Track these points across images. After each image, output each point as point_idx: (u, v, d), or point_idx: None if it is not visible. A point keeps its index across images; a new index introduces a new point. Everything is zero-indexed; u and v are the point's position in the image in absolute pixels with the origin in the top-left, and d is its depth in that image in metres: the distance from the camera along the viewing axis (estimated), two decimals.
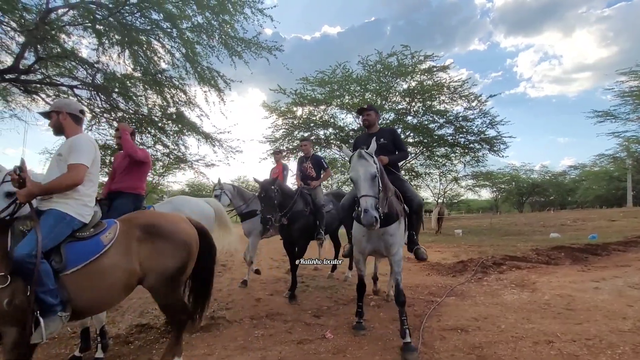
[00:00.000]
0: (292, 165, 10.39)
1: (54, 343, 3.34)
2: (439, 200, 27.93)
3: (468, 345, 2.78)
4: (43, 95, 7.95)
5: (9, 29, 6.59)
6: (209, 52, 7.75)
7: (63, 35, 6.80)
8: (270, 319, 3.75)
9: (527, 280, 4.66)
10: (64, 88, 7.79)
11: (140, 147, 5.89)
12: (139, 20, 6.98)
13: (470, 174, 28.77)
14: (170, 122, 8.24)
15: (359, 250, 3.24)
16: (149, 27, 7.08)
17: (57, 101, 2.59)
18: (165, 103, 8.04)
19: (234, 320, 3.73)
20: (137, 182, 3.44)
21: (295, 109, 15.05)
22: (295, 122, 15.24)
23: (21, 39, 6.68)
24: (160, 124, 8.24)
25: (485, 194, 42.03)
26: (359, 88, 14.49)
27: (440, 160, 17.21)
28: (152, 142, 8.79)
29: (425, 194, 28.49)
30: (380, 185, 2.67)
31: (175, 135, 8.60)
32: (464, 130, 14.81)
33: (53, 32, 6.40)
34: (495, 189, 39.93)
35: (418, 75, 14.10)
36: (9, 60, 7.09)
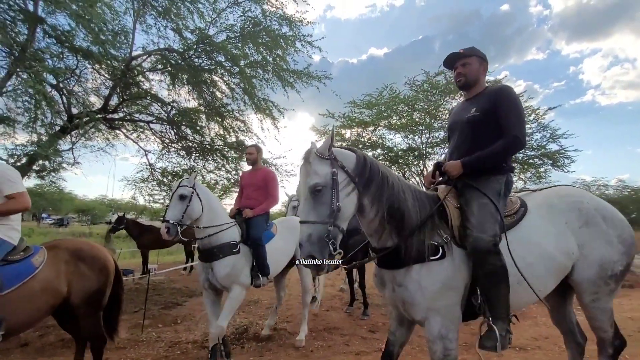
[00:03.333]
0: None
1: None
2: None
3: None
4: (124, 130, 9.23)
5: (100, 76, 7.89)
6: (264, 84, 8.56)
7: (142, 79, 7.98)
8: (328, 332, 4.04)
9: None
10: (142, 123, 9.03)
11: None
12: (205, 61, 7.98)
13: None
14: (230, 149, 9.07)
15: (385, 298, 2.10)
16: (213, 67, 8.04)
17: None
18: (225, 132, 8.93)
19: (294, 332, 4.08)
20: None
21: (343, 131, 15.56)
22: (343, 144, 15.75)
23: (109, 84, 7.93)
24: (222, 152, 9.10)
25: None
26: (406, 108, 14.67)
27: None
28: (214, 168, 9.71)
29: None
30: (338, 202, 1.65)
31: (235, 160, 9.42)
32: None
33: (135, 78, 7.56)
34: None
35: None
36: (97, 103, 8.43)
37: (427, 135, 14.93)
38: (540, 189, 2.25)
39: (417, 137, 14.88)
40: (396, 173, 2.06)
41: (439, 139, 14.40)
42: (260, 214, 3.62)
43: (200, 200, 3.27)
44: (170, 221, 3.07)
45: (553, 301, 2.30)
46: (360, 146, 15.64)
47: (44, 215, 46.22)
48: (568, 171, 14.33)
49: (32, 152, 5.46)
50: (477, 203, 1.83)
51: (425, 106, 14.52)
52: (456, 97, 14.14)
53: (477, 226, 1.76)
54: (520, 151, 14.78)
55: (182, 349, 3.79)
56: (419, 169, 15.43)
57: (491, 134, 1.92)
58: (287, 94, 8.67)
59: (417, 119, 14.78)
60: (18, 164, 6.11)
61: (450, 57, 2.11)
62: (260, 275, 3.40)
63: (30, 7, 5.76)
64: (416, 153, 14.56)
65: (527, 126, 14.00)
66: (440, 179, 1.99)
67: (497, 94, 1.97)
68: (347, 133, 15.63)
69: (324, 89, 8.81)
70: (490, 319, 1.72)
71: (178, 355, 3.62)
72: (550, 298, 2.22)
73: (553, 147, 13.86)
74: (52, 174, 6.24)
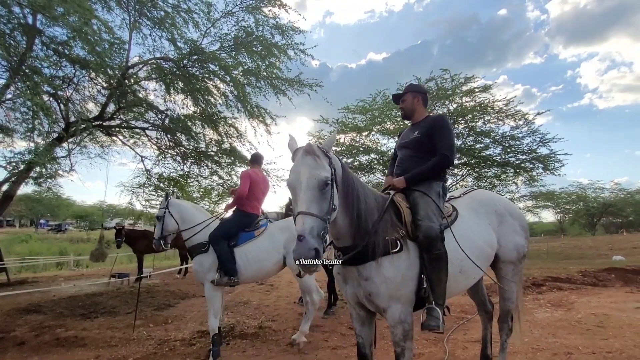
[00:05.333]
0: None
1: None
2: None
3: None
4: (121, 137, 9.47)
5: (96, 85, 8.13)
6: (257, 92, 8.81)
7: (137, 87, 8.24)
8: (310, 330, 4.23)
9: (566, 300, 4.68)
10: (138, 130, 9.27)
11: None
12: (199, 70, 8.25)
13: (528, 194, 27.23)
14: (224, 155, 9.30)
15: (345, 295, 2.20)
16: (207, 76, 8.31)
17: None
18: (220, 138, 9.17)
19: (278, 330, 4.30)
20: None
21: (338, 136, 15.81)
22: (337, 149, 15.99)
23: (106, 92, 8.18)
24: (215, 158, 9.34)
25: (548, 215, 39.03)
26: (399, 113, 14.93)
27: (492, 182, 16.76)
28: (209, 174, 9.94)
29: None
30: (335, 200, 1.76)
31: (228, 167, 9.65)
32: (513, 149, 14.51)
33: (132, 86, 7.82)
34: (559, 210, 36.96)
35: (458, 98, 14.26)
36: (94, 110, 8.66)
37: None
38: (460, 195, 2.62)
39: None
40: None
41: None
42: (230, 209, 4.07)
43: (172, 216, 3.89)
44: (155, 238, 3.96)
45: None
46: (355, 151, 15.91)
47: (41, 221, 46.34)
48: (559, 174, 14.61)
49: (29, 161, 5.67)
50: (423, 201, 2.16)
51: None
52: (445, 103, 14.44)
53: (425, 217, 2.06)
54: (511, 155, 14.99)
55: (170, 346, 3.99)
56: None
57: (428, 153, 2.34)
58: (280, 101, 8.93)
59: (409, 123, 14.98)
60: (15, 170, 6.35)
61: (393, 97, 2.65)
62: (220, 273, 3.54)
63: (29, 20, 6.02)
64: None
65: (517, 131, 14.30)
66: (389, 190, 2.33)
67: (433, 122, 2.40)
68: (342, 138, 15.91)
69: (320, 94, 9.05)
70: (433, 302, 1.96)
71: (166, 352, 3.83)
72: None
73: (544, 151, 14.15)
74: (49, 180, 6.45)
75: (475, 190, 2.69)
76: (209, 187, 10.96)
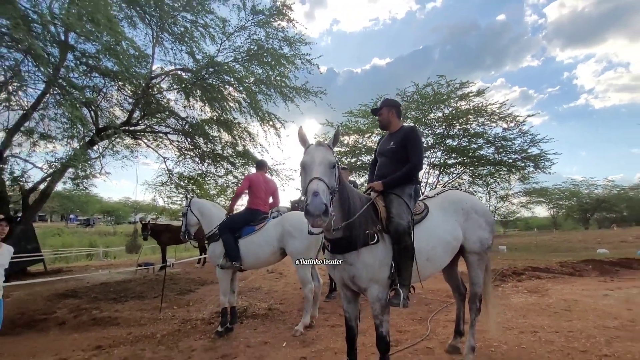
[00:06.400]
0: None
1: None
2: None
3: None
4: (145, 140, 9.87)
5: (123, 94, 8.52)
6: (267, 99, 9.13)
7: (160, 96, 8.60)
8: None
9: (541, 288, 4.89)
10: (161, 134, 9.67)
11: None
12: (216, 80, 8.58)
13: (522, 191, 27.13)
14: (238, 157, 9.65)
15: (334, 278, 2.47)
16: (222, 85, 8.64)
17: None
18: (234, 141, 9.51)
19: (285, 311, 4.62)
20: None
21: (342, 138, 16.07)
22: (342, 149, 16.26)
23: (131, 100, 8.55)
24: (230, 159, 9.69)
25: (541, 210, 38.71)
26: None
27: (486, 179, 16.89)
28: (225, 173, 10.30)
29: None
30: (337, 187, 2.07)
31: (242, 167, 9.99)
32: (505, 149, 14.64)
33: (155, 95, 8.18)
34: (552, 206, 36.67)
35: (454, 102, 14.41)
36: (122, 116, 9.05)
37: None
38: (434, 195, 2.88)
39: None
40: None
41: (427, 145, 14.82)
42: (234, 205, 4.47)
43: (193, 212, 4.43)
44: (182, 231, 4.52)
45: (446, 267, 2.93)
46: (357, 151, 16.17)
47: (71, 216, 47.49)
48: (548, 172, 14.67)
49: (65, 163, 6.06)
50: (397, 202, 2.45)
51: (417, 114, 15.00)
52: (441, 107, 14.57)
53: (396, 216, 2.35)
54: (503, 155, 15.01)
55: (192, 324, 4.34)
56: None
57: (402, 161, 2.61)
58: (288, 107, 9.25)
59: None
60: (52, 170, 6.76)
61: (372, 111, 3.04)
62: (225, 259, 3.96)
63: (62, 36, 6.38)
64: None
65: (509, 132, 14.40)
66: (370, 192, 2.62)
67: (405, 133, 2.68)
68: (346, 139, 16.18)
69: (325, 100, 9.34)
70: (398, 284, 2.25)
71: (188, 329, 4.17)
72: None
73: (534, 150, 14.25)
74: (85, 181, 6.84)
75: (449, 191, 2.95)
76: (225, 185, 11.32)
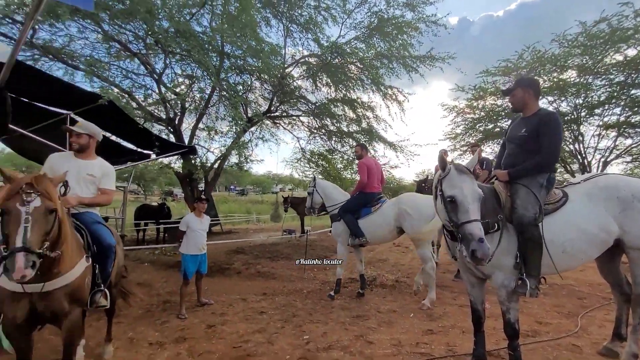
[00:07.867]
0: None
1: None
2: None
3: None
4: (281, 123, 11.29)
5: (264, 87, 9.88)
6: (389, 73, 9.04)
7: (292, 84, 9.62)
8: (441, 289, 4.61)
9: None
10: (294, 117, 10.88)
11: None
12: (340, 61, 9.00)
13: None
14: (362, 133, 10.04)
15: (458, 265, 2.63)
16: (345, 65, 9.00)
17: (91, 126, 2.58)
18: (358, 118, 9.90)
19: (412, 285, 4.83)
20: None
21: (475, 103, 14.43)
22: (475, 116, 14.66)
23: (270, 91, 9.84)
24: (355, 135, 10.18)
25: None
26: (554, 68, 12.43)
27: None
28: (350, 149, 10.91)
29: None
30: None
31: (367, 143, 10.36)
32: None
33: (289, 85, 9.21)
34: None
35: None
36: (264, 105, 10.55)
37: (583, 97, 12.37)
38: (580, 181, 2.48)
39: (567, 100, 12.50)
40: None
41: (596, 101, 11.82)
42: (355, 193, 4.75)
43: (318, 192, 5.00)
44: (306, 207, 5.18)
45: (602, 261, 2.69)
46: (495, 117, 14.24)
47: (231, 187, 58.58)
48: None
49: (230, 147, 7.67)
50: (522, 192, 2.34)
51: (583, 61, 11.99)
52: (623, 46, 11.19)
53: (521, 206, 2.28)
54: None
55: (330, 285, 5.08)
56: (573, 135, 12.93)
57: (532, 151, 2.39)
58: (412, 78, 8.96)
59: (568, 80, 12.36)
60: (221, 154, 8.62)
61: (502, 92, 2.83)
62: (352, 237, 4.46)
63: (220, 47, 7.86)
64: (566, 118, 12.23)
65: None
66: (493, 179, 2.52)
67: (541, 119, 2.39)
68: (480, 104, 14.41)
69: (458, 57, 8.67)
70: (524, 274, 2.22)
71: (327, 290, 4.91)
72: (600, 259, 2.60)
73: None
74: (246, 162, 8.47)
75: (603, 175, 2.54)
76: (350, 159, 12.02)
